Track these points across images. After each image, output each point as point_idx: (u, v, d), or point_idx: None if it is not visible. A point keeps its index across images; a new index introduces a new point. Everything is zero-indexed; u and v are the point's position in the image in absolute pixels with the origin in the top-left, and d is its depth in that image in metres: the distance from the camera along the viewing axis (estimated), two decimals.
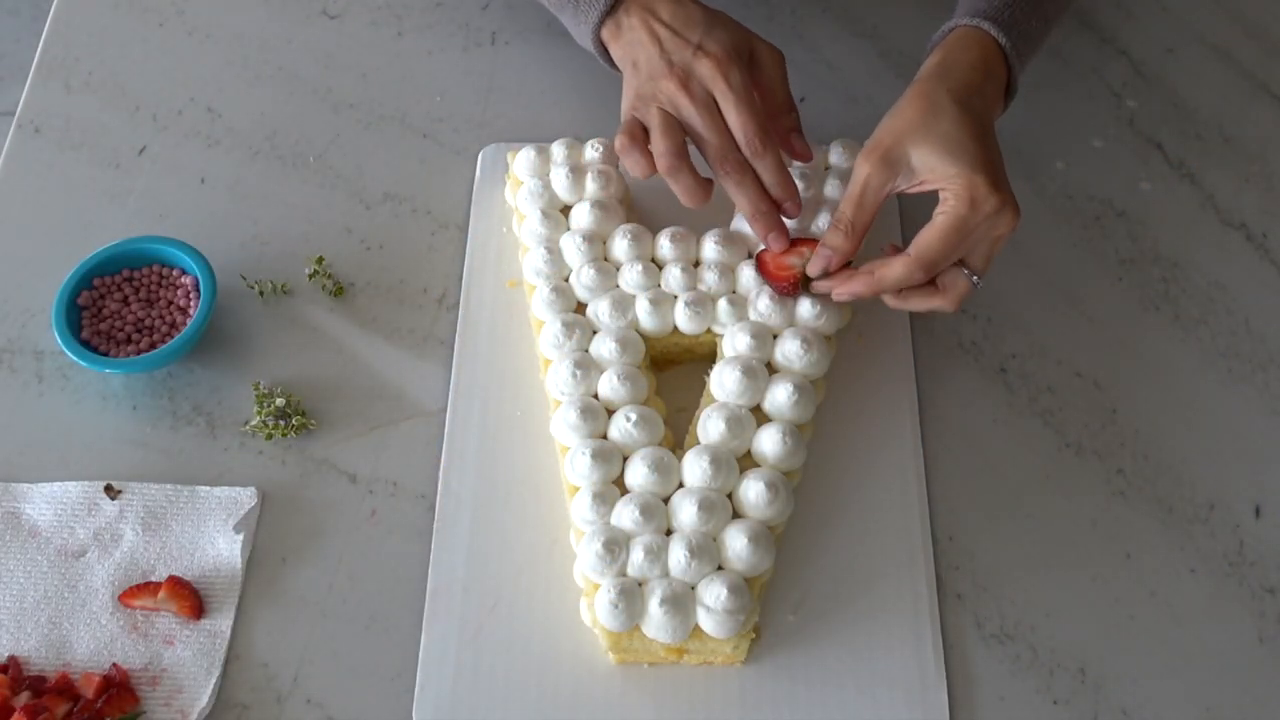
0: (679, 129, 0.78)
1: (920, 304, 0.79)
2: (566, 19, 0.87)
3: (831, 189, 0.87)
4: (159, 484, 0.81)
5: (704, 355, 0.84)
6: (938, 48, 0.81)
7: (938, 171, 0.75)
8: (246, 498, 0.80)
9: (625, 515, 0.73)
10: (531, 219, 0.86)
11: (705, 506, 0.73)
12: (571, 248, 0.85)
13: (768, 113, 0.81)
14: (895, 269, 0.76)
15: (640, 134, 0.79)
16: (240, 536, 0.79)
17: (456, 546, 0.78)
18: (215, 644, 0.75)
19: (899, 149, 0.76)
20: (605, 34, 0.84)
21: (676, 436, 0.79)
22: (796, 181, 0.86)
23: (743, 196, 0.79)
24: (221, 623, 0.76)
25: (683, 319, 0.82)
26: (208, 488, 0.81)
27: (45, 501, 0.80)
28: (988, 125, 0.77)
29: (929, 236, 0.75)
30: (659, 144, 0.78)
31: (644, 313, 0.82)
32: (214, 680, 0.74)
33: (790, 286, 0.80)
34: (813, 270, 0.80)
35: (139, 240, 0.88)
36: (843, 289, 0.79)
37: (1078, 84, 1.01)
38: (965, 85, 0.77)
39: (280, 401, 0.83)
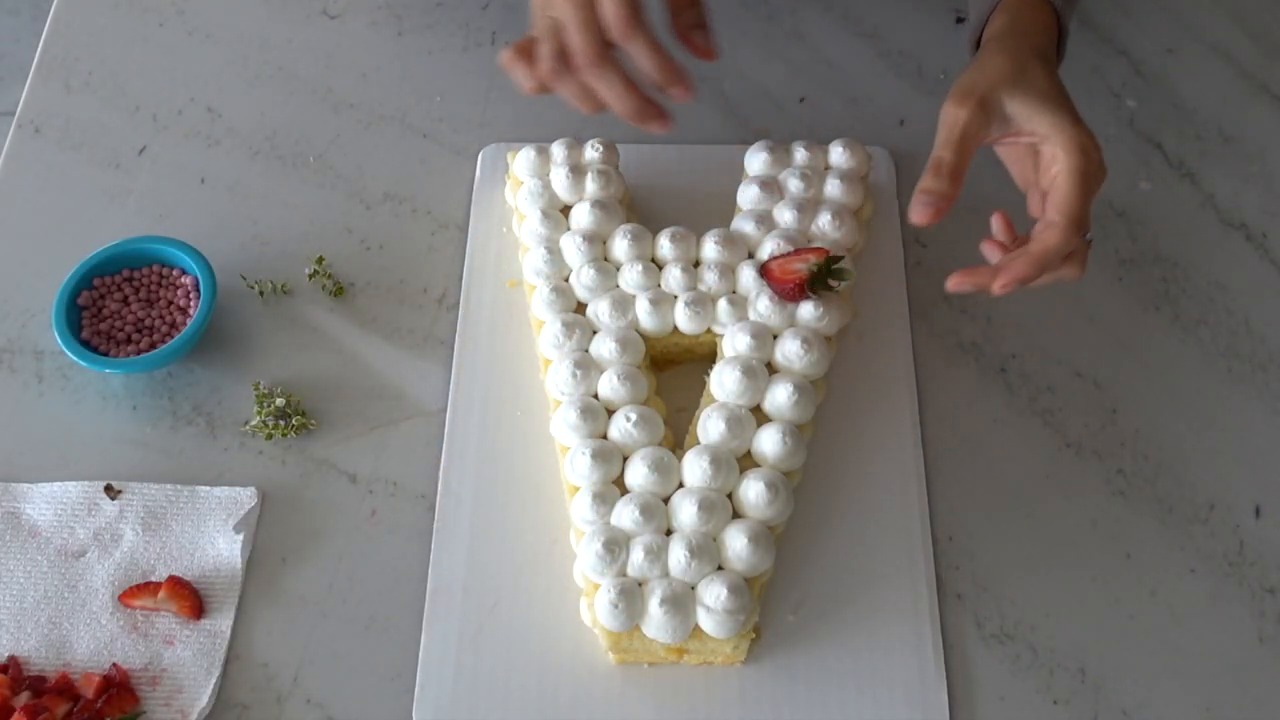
0: (556, 34, 0.72)
1: (1057, 275, 0.74)
2: None
3: (832, 189, 0.87)
4: (159, 484, 0.81)
5: (704, 355, 0.84)
6: (1000, 10, 0.79)
7: (1038, 122, 0.73)
8: (246, 498, 0.80)
9: (625, 515, 0.73)
10: (531, 219, 0.86)
11: (705, 506, 0.73)
12: (571, 248, 0.85)
13: (670, 8, 0.74)
14: (1053, 238, 0.71)
15: (526, 48, 0.74)
16: (240, 536, 0.79)
17: (456, 546, 0.78)
18: (215, 644, 0.75)
19: (993, 96, 0.73)
20: None
21: (676, 436, 0.79)
22: (795, 182, 0.87)
23: (609, 91, 0.72)
24: (221, 623, 0.76)
25: (683, 319, 0.82)
26: (207, 488, 0.81)
27: (45, 501, 0.80)
28: (1063, 86, 0.76)
29: (1066, 195, 0.71)
30: (539, 50, 0.72)
31: (644, 313, 0.82)
32: (214, 680, 0.74)
33: (795, 291, 0.80)
34: (920, 219, 0.73)
35: (139, 240, 0.88)
36: (1005, 278, 0.72)
37: (1078, 84, 1.00)
38: (1041, 46, 0.76)
39: (280, 401, 0.83)
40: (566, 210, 0.87)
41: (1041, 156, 0.74)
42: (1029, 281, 0.72)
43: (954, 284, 0.75)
